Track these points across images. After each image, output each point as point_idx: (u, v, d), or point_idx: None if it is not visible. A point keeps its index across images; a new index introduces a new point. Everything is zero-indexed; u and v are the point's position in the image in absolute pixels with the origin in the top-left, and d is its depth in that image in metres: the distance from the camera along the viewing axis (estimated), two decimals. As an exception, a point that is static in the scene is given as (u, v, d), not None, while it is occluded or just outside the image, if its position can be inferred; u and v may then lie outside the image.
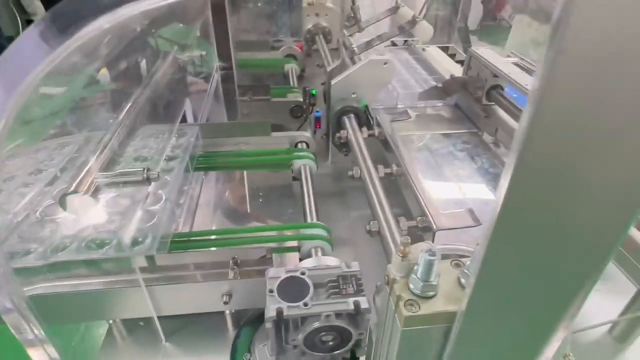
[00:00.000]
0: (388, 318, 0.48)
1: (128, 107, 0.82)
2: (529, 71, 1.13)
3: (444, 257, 0.45)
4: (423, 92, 1.17)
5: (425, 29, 1.21)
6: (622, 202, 0.33)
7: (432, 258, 0.42)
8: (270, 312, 0.57)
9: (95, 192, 0.62)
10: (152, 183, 0.71)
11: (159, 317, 0.68)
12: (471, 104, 1.13)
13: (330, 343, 0.61)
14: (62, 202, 0.58)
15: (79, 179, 0.59)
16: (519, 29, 2.91)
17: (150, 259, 0.65)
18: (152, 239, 0.64)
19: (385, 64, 1.01)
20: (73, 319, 0.68)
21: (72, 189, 0.58)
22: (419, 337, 0.44)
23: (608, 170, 0.31)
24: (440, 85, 1.14)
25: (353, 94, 1.05)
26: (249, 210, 1.05)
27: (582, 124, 0.28)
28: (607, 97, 0.26)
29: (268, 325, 0.58)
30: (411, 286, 0.44)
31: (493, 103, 1.08)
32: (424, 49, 1.46)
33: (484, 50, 1.15)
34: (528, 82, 0.97)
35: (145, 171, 0.64)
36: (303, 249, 0.73)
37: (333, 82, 1.03)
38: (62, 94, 0.75)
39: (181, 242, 0.70)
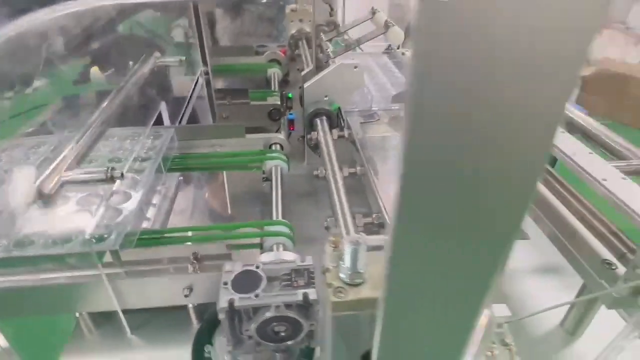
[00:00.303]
0: (324, 306, 0.50)
1: (102, 109, 0.85)
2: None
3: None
4: (396, 94, 1.20)
5: (396, 33, 1.24)
6: (517, 187, 0.35)
7: (356, 247, 0.44)
8: (222, 303, 0.60)
9: (60, 190, 0.65)
10: (122, 182, 0.75)
11: (125, 311, 0.71)
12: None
13: (283, 334, 0.64)
14: (27, 197, 0.61)
15: (43, 175, 0.63)
16: None
17: (115, 254, 0.68)
18: (116, 235, 0.67)
19: (355, 68, 1.05)
20: (36, 312, 0.71)
21: (37, 185, 0.62)
22: (348, 323, 0.47)
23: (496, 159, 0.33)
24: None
25: (325, 96, 1.08)
26: (229, 212, 1.09)
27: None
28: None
29: (221, 315, 0.61)
30: (341, 275, 0.47)
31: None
32: (403, 54, 1.49)
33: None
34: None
35: (109, 170, 0.67)
36: (265, 245, 0.76)
37: (306, 85, 1.07)
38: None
39: (147, 239, 0.73)
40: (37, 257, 0.63)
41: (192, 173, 1.15)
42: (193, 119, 1.38)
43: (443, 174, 0.35)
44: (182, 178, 1.11)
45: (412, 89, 0.25)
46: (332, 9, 1.34)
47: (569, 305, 0.73)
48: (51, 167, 0.66)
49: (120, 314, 0.70)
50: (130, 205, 0.73)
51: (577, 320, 0.73)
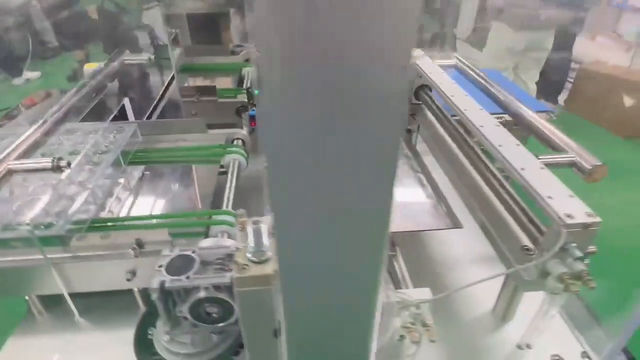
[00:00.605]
0: (238, 284, 0.53)
1: (61, 103, 0.89)
2: (465, 73, 1.20)
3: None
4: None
5: None
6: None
7: (256, 227, 0.48)
8: (154, 284, 0.63)
9: (8, 178, 0.69)
10: (74, 172, 0.79)
11: (74, 295, 0.75)
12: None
13: (215, 315, 0.67)
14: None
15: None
16: (495, 37, 2.95)
17: (62, 239, 0.72)
18: (63, 222, 0.71)
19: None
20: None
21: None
22: (252, 298, 0.50)
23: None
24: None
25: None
26: (200, 205, 1.12)
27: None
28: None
29: (153, 296, 0.64)
30: (247, 253, 0.50)
31: (420, 102, 1.14)
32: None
33: (419, 52, 1.22)
34: (443, 80, 1.03)
35: (56, 160, 0.70)
36: (211, 233, 0.79)
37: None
38: None
39: (96, 227, 0.76)
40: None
41: (164, 168, 1.19)
42: (170, 115, 1.42)
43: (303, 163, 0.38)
44: (148, 172, 1.15)
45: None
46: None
47: (499, 293, 0.76)
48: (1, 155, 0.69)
49: (67, 298, 0.73)
50: (79, 195, 0.77)
51: (505, 306, 0.76)
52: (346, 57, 0.27)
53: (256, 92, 1.25)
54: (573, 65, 3.62)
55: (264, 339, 0.55)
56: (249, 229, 0.48)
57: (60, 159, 0.72)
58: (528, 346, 0.72)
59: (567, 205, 0.59)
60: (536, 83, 3.05)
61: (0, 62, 3.42)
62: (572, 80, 3.58)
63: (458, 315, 0.78)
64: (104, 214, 0.88)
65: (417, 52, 1.19)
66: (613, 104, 3.22)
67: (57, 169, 0.70)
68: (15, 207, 0.69)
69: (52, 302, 0.77)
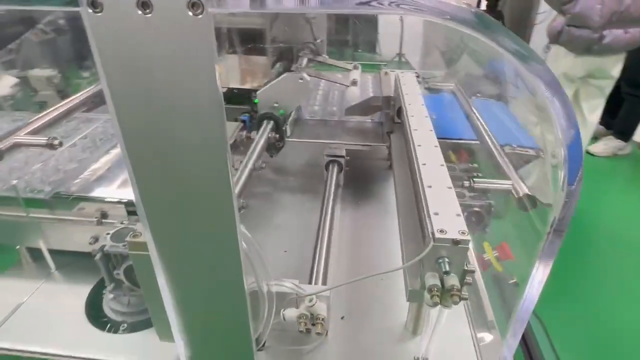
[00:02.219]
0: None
1: (71, 99, 1.09)
2: (434, 91, 1.23)
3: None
4: (349, 107, 1.30)
5: (352, 93, 1.33)
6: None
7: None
8: (97, 247, 0.76)
9: (13, 149, 0.86)
10: (69, 149, 0.97)
11: (54, 252, 0.91)
12: (387, 120, 1.24)
13: (145, 281, 0.78)
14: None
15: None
16: (551, 62, 2.76)
17: (47, 203, 0.88)
18: (50, 189, 0.88)
19: (300, 79, 1.18)
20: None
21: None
22: (139, 261, 0.61)
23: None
24: (361, 102, 1.27)
25: (275, 103, 1.22)
26: None
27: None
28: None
29: (96, 257, 0.77)
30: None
31: (400, 121, 1.19)
32: (386, 73, 1.59)
33: (407, 73, 1.27)
34: (412, 101, 1.08)
35: (50, 139, 0.87)
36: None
37: (259, 91, 1.22)
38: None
39: (74, 198, 0.91)
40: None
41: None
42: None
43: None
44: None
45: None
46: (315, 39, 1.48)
47: (409, 306, 0.79)
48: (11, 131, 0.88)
49: (45, 252, 0.89)
50: (69, 169, 0.94)
51: (414, 319, 0.78)
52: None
53: (255, 100, 1.37)
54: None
55: (156, 294, 0.64)
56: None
57: (54, 138, 0.88)
58: (426, 359, 0.75)
59: (448, 222, 0.62)
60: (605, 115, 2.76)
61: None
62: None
63: (373, 324, 0.82)
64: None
65: (402, 73, 1.24)
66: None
67: (50, 146, 0.87)
68: (15, 172, 0.87)
69: (38, 255, 0.94)
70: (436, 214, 0.65)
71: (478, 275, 0.97)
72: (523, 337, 0.93)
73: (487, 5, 3.53)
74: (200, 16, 0.40)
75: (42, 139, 0.89)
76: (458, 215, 0.65)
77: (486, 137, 1.00)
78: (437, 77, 1.51)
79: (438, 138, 1.21)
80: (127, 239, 0.61)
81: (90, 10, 0.41)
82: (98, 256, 0.77)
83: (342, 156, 1.15)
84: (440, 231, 0.61)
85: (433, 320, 0.78)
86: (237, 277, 0.59)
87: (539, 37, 3.55)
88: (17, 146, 0.88)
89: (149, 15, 0.40)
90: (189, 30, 0.41)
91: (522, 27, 4.73)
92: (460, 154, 1.17)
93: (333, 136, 1.23)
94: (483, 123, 1.09)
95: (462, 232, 0.61)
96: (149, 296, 0.67)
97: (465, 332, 0.81)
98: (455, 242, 0.60)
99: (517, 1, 4.47)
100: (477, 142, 1.07)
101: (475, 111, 1.13)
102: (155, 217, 0.55)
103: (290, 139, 1.28)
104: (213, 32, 0.41)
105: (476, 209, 1.16)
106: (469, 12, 0.42)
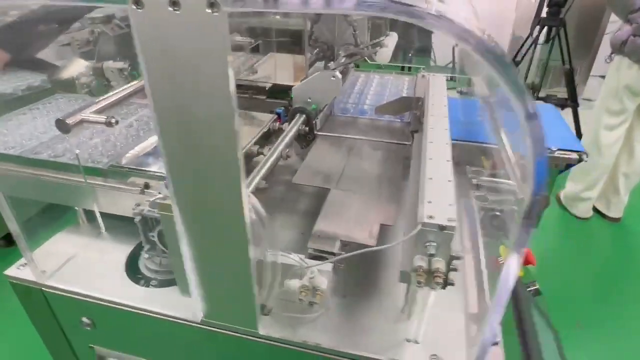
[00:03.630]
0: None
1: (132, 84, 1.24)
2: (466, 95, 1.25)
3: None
4: (379, 106, 1.36)
5: (382, 53, 1.40)
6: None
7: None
8: (136, 210, 0.89)
9: (81, 124, 1.02)
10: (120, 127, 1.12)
11: (104, 215, 1.06)
12: (414, 120, 1.28)
13: (174, 244, 0.89)
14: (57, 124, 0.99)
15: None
16: (613, 74, 2.60)
17: (102, 172, 1.02)
18: (107, 160, 1.03)
19: (333, 77, 1.26)
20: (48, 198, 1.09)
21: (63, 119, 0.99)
22: (167, 221, 0.72)
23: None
24: (391, 102, 1.32)
25: (309, 98, 1.31)
26: None
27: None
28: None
29: (136, 219, 0.89)
30: (171, 190, 0.71)
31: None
32: (423, 76, 1.63)
33: (438, 75, 1.31)
34: (436, 102, 1.12)
35: (108, 117, 1.02)
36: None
37: (294, 87, 1.31)
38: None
39: (125, 170, 1.05)
40: (57, 162, 1.01)
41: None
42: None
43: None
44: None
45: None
46: (355, 31, 1.55)
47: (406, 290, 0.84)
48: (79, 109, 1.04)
49: (98, 215, 1.04)
50: (124, 145, 1.09)
51: (409, 303, 0.83)
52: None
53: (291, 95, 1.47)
54: None
55: (179, 254, 0.75)
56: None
57: (112, 117, 1.03)
58: (416, 341, 0.79)
59: (439, 210, 0.67)
60: None
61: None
62: None
63: (372, 304, 0.88)
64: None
65: (433, 75, 1.28)
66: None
67: (109, 124, 1.01)
68: (81, 144, 1.03)
69: (93, 218, 1.09)
70: (430, 202, 0.70)
71: (485, 275, 0.99)
72: (524, 340, 0.94)
73: (548, 13, 3.39)
74: (216, 14, 0.49)
75: (102, 118, 1.03)
76: (450, 205, 0.69)
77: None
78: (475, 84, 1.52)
79: (463, 141, 1.25)
80: (157, 201, 0.73)
81: (134, 7, 0.51)
82: (137, 219, 0.90)
83: (331, 253, 0.83)
84: (429, 217, 0.66)
85: (429, 304, 0.83)
86: (242, 243, 0.68)
87: (607, 47, 3.36)
88: (82, 122, 1.04)
89: (178, 12, 0.50)
90: (208, 25, 0.50)
91: (590, 36, 4.49)
92: (493, 160, 1.19)
93: (359, 132, 1.29)
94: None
95: (450, 220, 0.65)
96: (173, 254, 0.78)
97: (459, 321, 0.84)
98: (442, 228, 0.65)
99: (587, 9, 4.25)
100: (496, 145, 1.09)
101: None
102: (178, 183, 0.65)
103: (320, 132, 1.36)
104: (227, 27, 0.50)
105: (497, 213, 1.18)
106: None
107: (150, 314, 0.88)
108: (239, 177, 0.62)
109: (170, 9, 0.50)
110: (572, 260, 2.72)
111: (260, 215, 0.75)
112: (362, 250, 0.75)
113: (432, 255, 0.65)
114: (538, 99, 3.76)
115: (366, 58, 1.56)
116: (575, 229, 2.98)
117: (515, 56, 3.80)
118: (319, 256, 0.83)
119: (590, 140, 2.75)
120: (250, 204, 0.76)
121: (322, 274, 0.79)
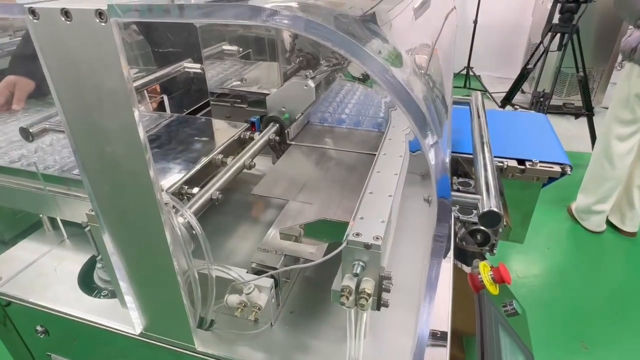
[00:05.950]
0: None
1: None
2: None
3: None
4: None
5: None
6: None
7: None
8: (86, 218, 0.88)
9: (43, 133, 1.03)
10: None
11: (67, 223, 1.06)
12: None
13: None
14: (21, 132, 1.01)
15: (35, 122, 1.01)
16: (624, 82, 2.47)
17: (63, 181, 1.03)
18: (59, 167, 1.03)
19: (305, 86, 1.24)
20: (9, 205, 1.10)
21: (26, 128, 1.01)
22: (96, 232, 0.71)
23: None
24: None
25: (283, 107, 1.29)
26: None
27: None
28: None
29: (86, 228, 0.89)
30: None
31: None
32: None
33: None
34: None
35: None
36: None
37: (268, 96, 1.30)
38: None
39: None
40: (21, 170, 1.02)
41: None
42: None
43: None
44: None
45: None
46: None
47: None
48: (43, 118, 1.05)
49: (60, 223, 1.05)
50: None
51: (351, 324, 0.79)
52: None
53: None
54: None
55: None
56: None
57: (75, 126, 1.04)
58: (356, 362, 0.75)
59: (367, 227, 0.64)
60: None
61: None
62: None
63: (319, 322, 0.84)
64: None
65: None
66: None
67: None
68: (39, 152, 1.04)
69: (58, 225, 1.10)
70: (361, 218, 0.66)
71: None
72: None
73: (560, 19, 3.29)
74: (104, 24, 0.48)
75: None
76: (382, 221, 0.66)
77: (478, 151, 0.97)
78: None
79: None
80: (86, 212, 0.72)
81: (31, 17, 0.51)
82: (87, 229, 0.89)
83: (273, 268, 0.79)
84: (355, 234, 0.62)
85: (374, 324, 0.79)
86: (165, 257, 0.66)
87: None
88: (46, 131, 1.05)
89: (69, 22, 0.49)
90: (99, 34, 0.49)
91: (610, 42, 4.32)
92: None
93: (333, 142, 1.26)
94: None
95: (376, 238, 0.62)
96: (107, 267, 0.77)
97: (407, 342, 0.79)
98: (367, 246, 0.61)
99: (607, 15, 4.10)
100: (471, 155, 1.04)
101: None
102: (98, 195, 0.64)
103: (292, 142, 1.34)
104: (119, 36, 0.49)
105: (481, 227, 1.12)
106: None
107: (98, 326, 0.87)
108: (152, 189, 0.60)
109: (63, 19, 0.49)
110: (583, 276, 2.59)
111: (195, 228, 0.73)
112: (296, 266, 0.72)
113: (356, 275, 0.62)
114: (550, 107, 3.63)
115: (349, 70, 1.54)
116: (587, 243, 2.84)
117: (527, 63, 3.69)
118: (262, 271, 0.80)
119: (600, 151, 2.63)
120: (186, 217, 0.74)
121: (261, 290, 0.77)
